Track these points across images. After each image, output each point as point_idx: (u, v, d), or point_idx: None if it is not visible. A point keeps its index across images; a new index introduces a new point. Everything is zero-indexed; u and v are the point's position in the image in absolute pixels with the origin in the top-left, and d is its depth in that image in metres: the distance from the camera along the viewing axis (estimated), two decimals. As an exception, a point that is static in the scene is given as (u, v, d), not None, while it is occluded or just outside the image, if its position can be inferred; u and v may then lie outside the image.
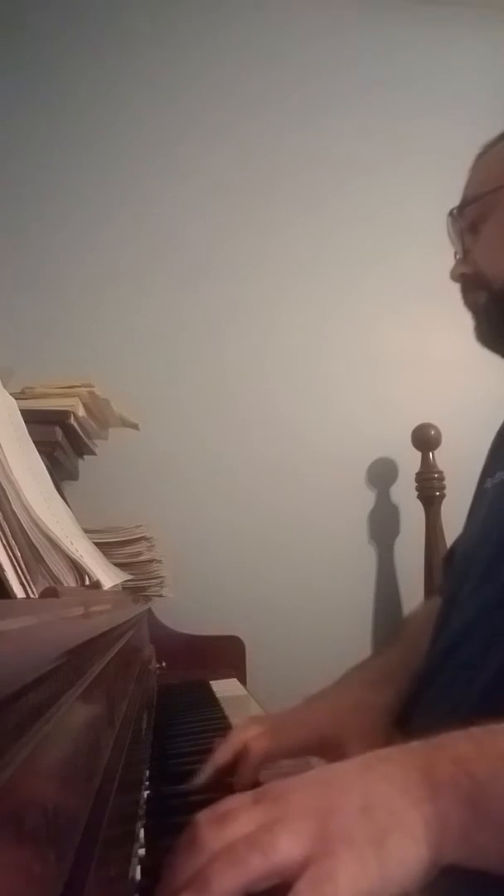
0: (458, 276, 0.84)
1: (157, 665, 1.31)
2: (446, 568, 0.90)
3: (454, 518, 0.96)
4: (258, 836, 0.37)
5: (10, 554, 0.47)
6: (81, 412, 1.31)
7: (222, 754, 0.65)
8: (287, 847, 0.36)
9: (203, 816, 0.41)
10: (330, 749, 0.65)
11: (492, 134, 0.87)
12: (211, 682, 1.22)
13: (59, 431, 1.22)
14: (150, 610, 1.40)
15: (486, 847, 0.38)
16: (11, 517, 0.53)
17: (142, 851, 0.47)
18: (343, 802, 0.39)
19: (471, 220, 0.81)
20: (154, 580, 1.42)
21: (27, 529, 0.56)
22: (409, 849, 0.37)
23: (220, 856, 0.37)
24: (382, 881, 0.36)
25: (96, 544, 1.02)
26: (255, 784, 0.62)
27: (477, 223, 0.81)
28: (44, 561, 0.56)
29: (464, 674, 0.66)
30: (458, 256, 0.85)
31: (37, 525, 0.58)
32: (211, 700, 1.09)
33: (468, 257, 0.83)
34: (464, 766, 0.40)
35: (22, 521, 0.55)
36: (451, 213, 0.84)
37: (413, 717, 0.70)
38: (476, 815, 0.39)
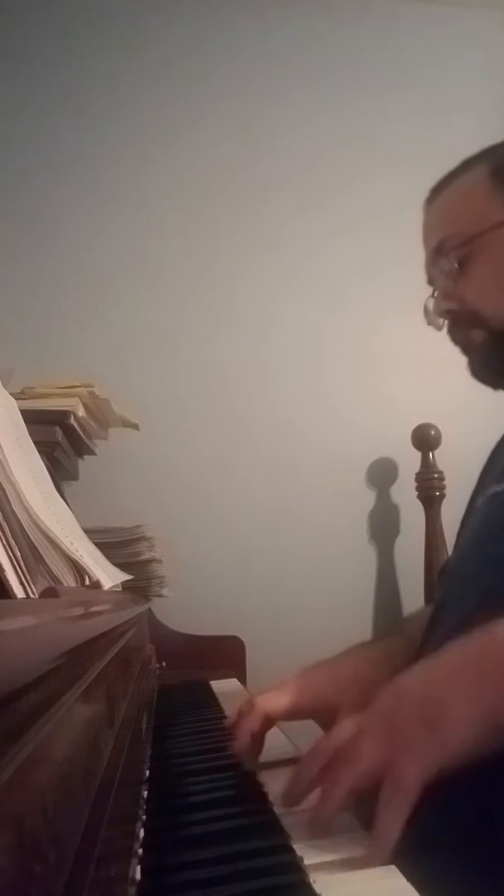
0: (443, 311, 0.84)
1: (157, 665, 1.31)
2: (440, 580, 0.94)
3: (454, 518, 0.96)
4: (347, 751, 0.49)
5: (10, 554, 0.47)
6: (81, 412, 1.31)
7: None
8: (368, 757, 0.48)
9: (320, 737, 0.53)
10: (326, 714, 0.70)
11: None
12: (211, 682, 1.22)
13: (59, 431, 1.22)
14: (150, 610, 1.40)
15: None
16: (11, 517, 0.53)
17: (141, 851, 0.47)
18: (405, 703, 0.50)
19: (454, 257, 0.81)
20: (154, 580, 1.42)
21: (27, 529, 0.56)
22: (460, 726, 0.48)
23: (326, 775, 0.49)
24: (445, 756, 0.47)
25: (96, 544, 1.02)
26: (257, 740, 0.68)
27: (462, 260, 0.81)
28: (44, 561, 0.56)
29: None
30: (436, 293, 0.85)
31: (37, 525, 0.58)
32: (211, 700, 1.09)
33: (454, 294, 0.82)
34: None
35: (22, 521, 0.55)
36: (434, 252, 0.83)
37: None
38: None
